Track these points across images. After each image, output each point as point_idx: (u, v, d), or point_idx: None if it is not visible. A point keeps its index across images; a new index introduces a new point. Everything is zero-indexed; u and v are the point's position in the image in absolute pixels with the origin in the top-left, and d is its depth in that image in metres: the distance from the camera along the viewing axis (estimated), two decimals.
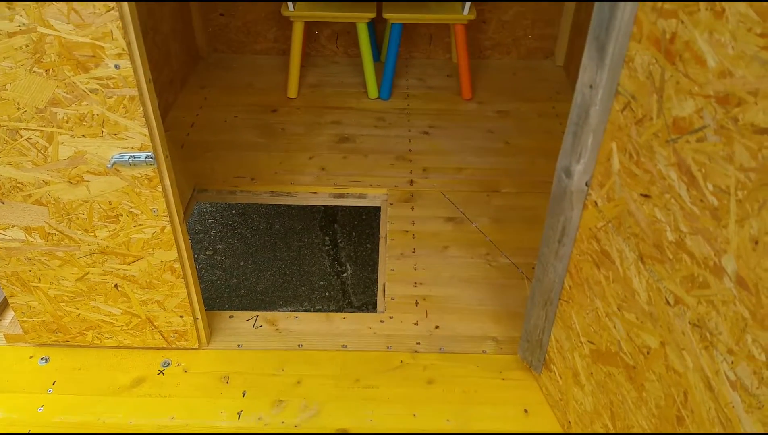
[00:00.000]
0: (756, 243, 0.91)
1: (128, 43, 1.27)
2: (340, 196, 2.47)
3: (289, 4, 2.83)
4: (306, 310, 2.49)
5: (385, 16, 2.87)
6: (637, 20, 1.14)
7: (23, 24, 1.25)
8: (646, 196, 1.15)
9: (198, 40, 3.31)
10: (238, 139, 2.75)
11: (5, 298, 1.92)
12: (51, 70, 1.30)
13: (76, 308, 1.72)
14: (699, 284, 1.05)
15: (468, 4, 2.83)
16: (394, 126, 2.88)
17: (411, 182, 2.51)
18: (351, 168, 2.58)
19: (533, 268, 2.10)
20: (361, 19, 2.87)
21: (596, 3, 1.19)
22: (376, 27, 3.34)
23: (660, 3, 1.08)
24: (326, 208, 3.04)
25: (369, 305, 2.53)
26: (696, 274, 1.05)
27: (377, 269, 2.51)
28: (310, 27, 3.33)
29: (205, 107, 2.97)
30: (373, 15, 2.87)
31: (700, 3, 0.99)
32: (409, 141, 2.77)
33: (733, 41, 0.94)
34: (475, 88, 3.17)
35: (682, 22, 1.03)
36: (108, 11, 1.23)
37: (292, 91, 3.06)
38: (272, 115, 2.93)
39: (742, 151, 0.93)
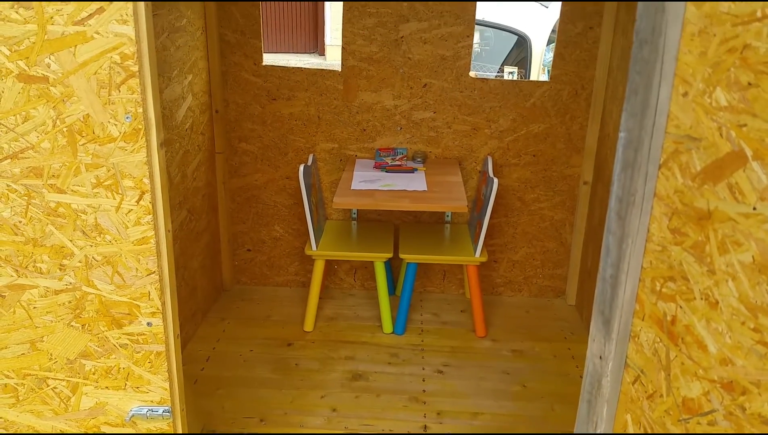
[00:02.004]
0: None
1: (163, 303, 1.36)
2: None
3: (313, 243, 3.04)
4: None
5: (402, 256, 3.05)
6: (638, 298, 1.22)
7: (70, 283, 1.36)
8: None
9: (224, 273, 3.50)
10: (251, 374, 2.76)
11: None
12: (87, 325, 1.39)
13: None
14: None
15: (480, 247, 3.01)
16: (408, 363, 2.89)
17: (425, 428, 2.45)
18: (363, 409, 2.54)
19: None
20: (378, 258, 3.05)
21: (598, 282, 1.28)
22: (392, 262, 3.52)
23: (658, 286, 1.16)
24: None
25: None
26: None
27: None
28: (330, 262, 3.52)
29: (222, 340, 3.03)
30: (390, 255, 3.05)
31: (695, 292, 1.07)
32: (423, 380, 2.76)
33: (729, 331, 1.00)
34: (489, 325, 3.23)
35: (681, 307, 1.11)
36: (149, 274, 1.34)
37: (309, 325, 3.14)
38: (287, 350, 2.97)
39: None
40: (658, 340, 1.16)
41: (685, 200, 1.08)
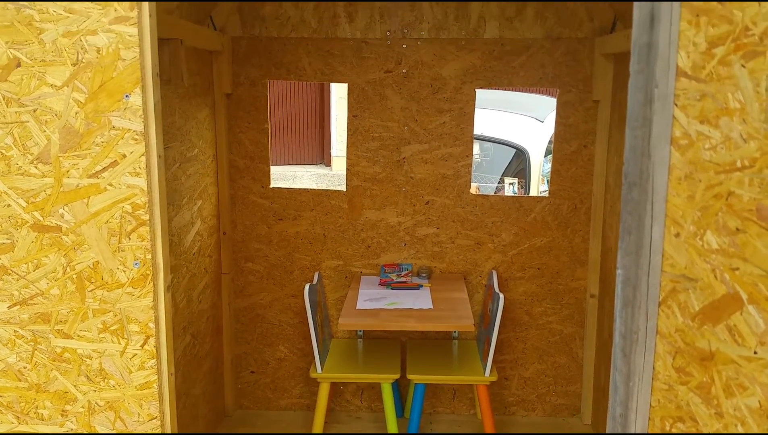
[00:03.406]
0: None
1: None
2: None
3: (318, 366, 2.99)
4: None
5: (409, 377, 2.99)
6: None
7: (71, 429, 1.35)
8: None
9: (226, 397, 3.43)
10: None
11: None
12: None
13: None
14: None
15: (489, 366, 2.96)
16: None
17: None
18: None
19: None
20: (385, 380, 2.99)
21: (609, 420, 1.26)
22: (400, 380, 3.45)
23: (668, 426, 1.14)
24: None
25: None
26: None
27: None
28: (336, 383, 3.45)
29: None
30: (397, 376, 2.99)
31: None
32: None
33: None
34: None
35: None
36: (150, 420, 1.33)
37: None
38: None
39: None
40: None
41: (687, 340, 1.08)
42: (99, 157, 1.27)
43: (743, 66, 0.94)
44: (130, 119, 1.24)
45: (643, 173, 1.14)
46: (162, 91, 2.45)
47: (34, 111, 1.24)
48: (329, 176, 12.09)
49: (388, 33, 3.20)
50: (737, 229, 0.97)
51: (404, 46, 3.21)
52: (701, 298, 1.05)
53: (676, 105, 1.09)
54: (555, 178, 3.25)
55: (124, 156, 1.26)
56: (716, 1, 0.99)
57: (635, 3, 1.12)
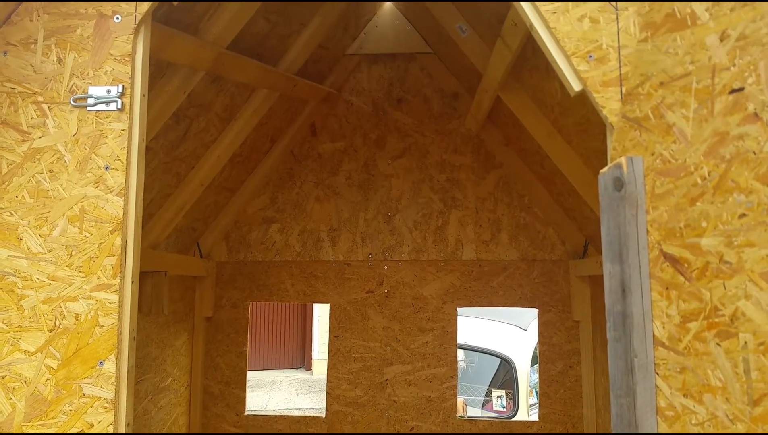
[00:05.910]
0: None
1: None
2: None
3: None
4: None
5: None
6: None
7: None
8: None
9: None
10: None
11: None
12: None
13: None
14: None
15: None
16: None
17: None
18: None
19: None
20: None
21: None
22: None
23: None
24: None
25: None
26: None
27: None
28: None
29: None
30: None
31: None
32: None
33: None
34: None
35: None
36: None
37: None
38: None
39: None
40: None
41: None
42: (65, 426, 1.20)
43: (719, 344, 0.95)
44: (101, 386, 1.20)
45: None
46: (141, 323, 2.44)
47: (3, 377, 1.20)
48: (309, 381, 11.69)
49: (370, 255, 3.30)
50: None
51: (385, 267, 3.29)
52: None
53: (657, 374, 1.09)
54: (544, 401, 3.15)
55: (92, 425, 1.20)
56: (683, 277, 1.03)
57: (605, 273, 1.17)
